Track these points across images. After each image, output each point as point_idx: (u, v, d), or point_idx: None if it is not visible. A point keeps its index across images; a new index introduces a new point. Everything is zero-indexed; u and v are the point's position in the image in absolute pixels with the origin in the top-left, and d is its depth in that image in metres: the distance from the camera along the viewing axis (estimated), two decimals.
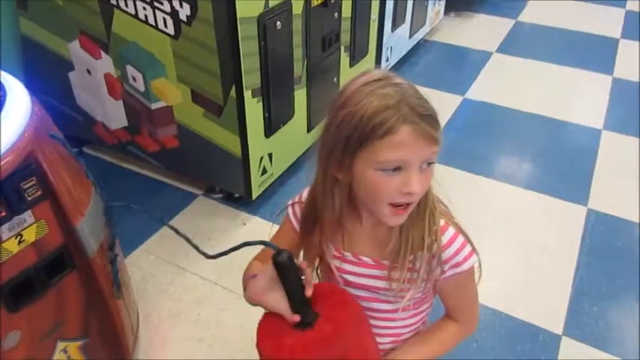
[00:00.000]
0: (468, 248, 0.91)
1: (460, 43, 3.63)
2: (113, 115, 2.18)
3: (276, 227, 1.03)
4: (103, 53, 2.00)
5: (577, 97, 3.09)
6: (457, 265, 0.91)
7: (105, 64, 2.03)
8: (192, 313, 1.73)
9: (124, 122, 2.16)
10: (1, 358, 0.96)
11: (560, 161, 2.51)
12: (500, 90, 3.08)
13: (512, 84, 3.18)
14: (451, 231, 0.90)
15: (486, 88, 3.11)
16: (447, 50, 3.57)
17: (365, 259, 0.93)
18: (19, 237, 0.91)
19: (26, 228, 0.93)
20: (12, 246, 0.91)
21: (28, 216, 0.92)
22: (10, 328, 0.96)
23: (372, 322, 0.94)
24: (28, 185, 0.90)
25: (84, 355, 1.16)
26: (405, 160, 0.78)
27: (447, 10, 3.78)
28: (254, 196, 2.07)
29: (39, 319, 1.02)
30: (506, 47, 3.59)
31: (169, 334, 1.68)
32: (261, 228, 2.02)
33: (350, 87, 0.82)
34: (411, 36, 3.20)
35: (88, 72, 2.10)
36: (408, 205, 0.83)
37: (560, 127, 2.77)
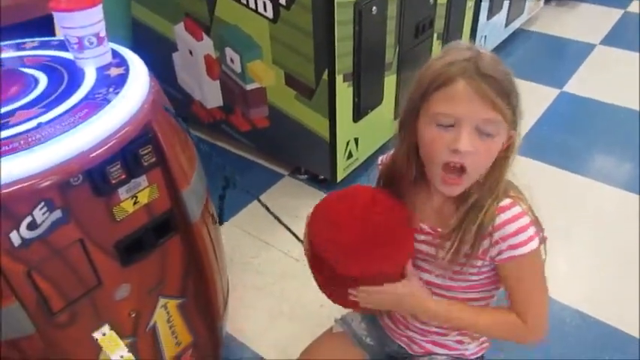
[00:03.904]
0: (531, 231, 0.86)
1: (560, 34, 3.43)
2: (210, 95, 2.30)
3: None
4: (204, 35, 2.11)
5: None
6: (515, 246, 0.86)
7: (206, 45, 2.14)
8: (276, 287, 1.81)
9: (220, 102, 2.28)
10: (113, 307, 1.07)
11: None
12: (602, 84, 2.89)
13: (616, 79, 2.96)
14: (517, 209, 0.87)
15: (587, 81, 2.93)
16: (546, 41, 3.39)
17: (424, 226, 0.95)
18: (134, 198, 1.01)
19: (141, 191, 1.02)
20: (128, 206, 1.00)
21: (142, 180, 1.01)
22: (122, 280, 1.07)
23: None
24: (144, 152, 0.99)
25: (181, 313, 1.25)
26: (457, 115, 0.80)
27: None
28: (339, 178, 2.11)
29: (146, 275, 1.12)
30: (611, 39, 3.34)
31: (253, 304, 1.77)
32: None
33: (436, 54, 0.89)
34: (507, 25, 3.07)
35: (190, 53, 2.23)
36: (461, 173, 0.83)
37: None
